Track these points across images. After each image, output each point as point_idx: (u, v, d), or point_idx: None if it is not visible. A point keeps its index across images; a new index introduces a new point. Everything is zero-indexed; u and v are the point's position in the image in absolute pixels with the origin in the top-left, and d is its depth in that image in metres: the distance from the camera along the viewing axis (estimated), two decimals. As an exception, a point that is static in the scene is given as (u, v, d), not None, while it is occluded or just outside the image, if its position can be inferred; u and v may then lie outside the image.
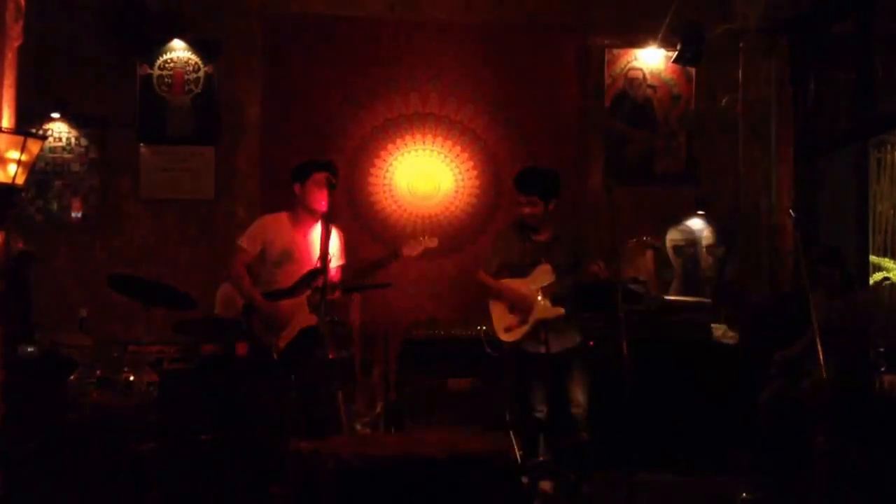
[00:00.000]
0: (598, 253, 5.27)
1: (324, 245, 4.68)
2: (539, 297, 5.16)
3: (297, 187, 5.09)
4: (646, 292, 6.47)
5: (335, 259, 5.02)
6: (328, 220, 4.81)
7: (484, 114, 7.19)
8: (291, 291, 5.00)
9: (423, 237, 5.25)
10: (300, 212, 5.11)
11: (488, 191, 7.18)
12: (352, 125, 7.13)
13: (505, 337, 5.26)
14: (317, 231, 5.00)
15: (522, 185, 5.22)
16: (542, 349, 5.17)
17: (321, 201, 5.02)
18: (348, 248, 5.26)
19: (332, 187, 4.94)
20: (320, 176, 5.03)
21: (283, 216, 5.16)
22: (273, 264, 5.06)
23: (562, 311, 5.13)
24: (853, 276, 5.82)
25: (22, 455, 4.69)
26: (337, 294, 5.03)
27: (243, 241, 5.10)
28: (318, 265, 4.86)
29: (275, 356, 4.92)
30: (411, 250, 5.17)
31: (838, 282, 5.40)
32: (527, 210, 5.18)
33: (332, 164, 5.21)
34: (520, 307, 5.18)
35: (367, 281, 5.32)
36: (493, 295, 5.30)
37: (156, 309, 5.30)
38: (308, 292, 4.95)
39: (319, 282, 4.96)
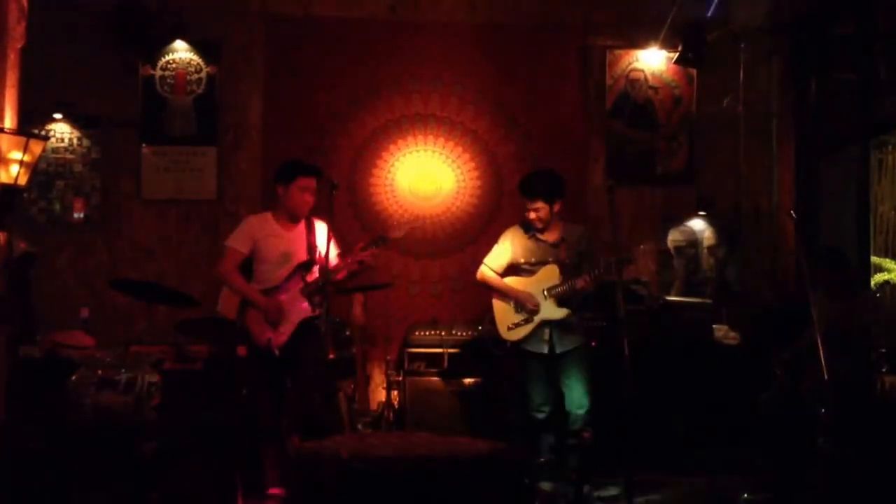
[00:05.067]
0: (602, 253, 5.29)
1: (318, 243, 4.73)
2: (545, 298, 5.18)
3: (279, 189, 5.10)
4: (647, 293, 6.47)
5: (332, 250, 5.00)
6: (320, 220, 4.86)
7: (485, 115, 7.20)
8: (282, 286, 5.02)
9: (406, 219, 5.29)
10: (283, 212, 5.13)
11: (490, 191, 7.18)
12: (353, 126, 7.14)
13: (508, 336, 5.27)
14: (301, 227, 5.10)
15: (527, 192, 5.24)
16: (545, 349, 5.19)
17: (303, 207, 5.05)
18: (349, 247, 5.27)
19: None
20: (305, 182, 5.05)
21: (268, 216, 5.18)
22: (275, 265, 5.07)
23: (568, 311, 5.15)
24: (856, 278, 5.81)
25: (23, 455, 4.70)
26: (343, 273, 5.05)
27: (232, 242, 5.11)
28: (312, 259, 4.92)
29: (276, 353, 4.92)
30: (396, 232, 5.18)
31: (838, 285, 5.39)
32: (532, 215, 5.21)
33: (319, 169, 5.20)
34: (525, 305, 5.18)
35: (363, 272, 5.28)
36: (497, 293, 5.31)
37: (157, 308, 5.31)
38: (301, 285, 4.96)
39: (311, 274, 4.99)
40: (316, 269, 5.04)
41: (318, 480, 3.52)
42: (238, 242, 5.09)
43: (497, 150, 7.20)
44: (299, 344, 4.97)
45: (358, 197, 7.12)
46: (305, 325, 4.99)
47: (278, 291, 5.02)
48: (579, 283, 5.08)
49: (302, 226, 5.11)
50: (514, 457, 4.78)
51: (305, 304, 5.00)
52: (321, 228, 5.08)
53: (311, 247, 5.05)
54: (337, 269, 4.99)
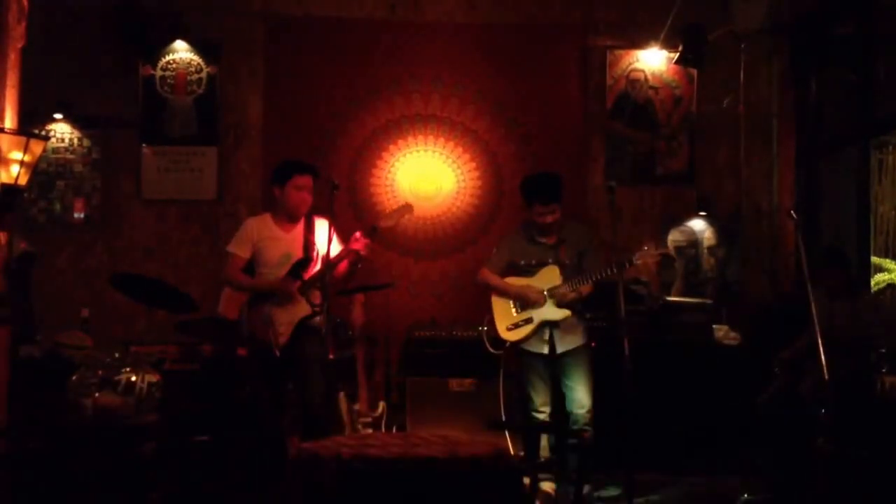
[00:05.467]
0: (604, 253, 5.29)
1: (320, 242, 4.70)
2: (545, 299, 5.17)
3: (276, 190, 5.08)
4: (647, 293, 6.47)
5: (334, 247, 4.98)
6: (323, 219, 4.83)
7: (486, 115, 7.20)
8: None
9: (397, 208, 5.22)
10: (282, 213, 5.11)
11: (490, 192, 7.19)
12: (354, 126, 7.14)
13: (507, 336, 5.26)
14: (300, 226, 5.07)
15: (543, 197, 5.14)
16: (546, 349, 5.18)
17: (300, 207, 5.03)
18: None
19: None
20: (301, 180, 5.03)
21: (268, 217, 5.16)
22: (276, 267, 5.06)
23: (568, 312, 5.14)
24: (856, 277, 5.81)
25: (23, 455, 4.70)
26: (343, 266, 5.02)
27: (233, 247, 5.08)
28: (308, 256, 4.91)
29: (277, 353, 4.91)
30: (387, 221, 5.14)
31: (839, 283, 5.39)
32: (549, 219, 5.16)
33: (314, 167, 5.17)
34: (528, 299, 5.16)
35: (359, 265, 5.24)
36: (497, 293, 5.30)
37: (158, 309, 5.31)
38: (298, 283, 4.95)
39: (308, 272, 4.98)
40: (314, 267, 5.03)
41: (318, 480, 3.52)
42: (238, 247, 5.08)
43: (497, 150, 7.20)
44: (299, 344, 4.96)
45: (358, 197, 7.12)
46: (305, 325, 4.99)
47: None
48: (585, 289, 5.09)
49: (301, 225, 5.10)
50: (514, 457, 4.78)
51: (305, 304, 4.99)
52: (322, 227, 5.07)
53: (309, 244, 5.03)
54: (333, 263, 4.97)
